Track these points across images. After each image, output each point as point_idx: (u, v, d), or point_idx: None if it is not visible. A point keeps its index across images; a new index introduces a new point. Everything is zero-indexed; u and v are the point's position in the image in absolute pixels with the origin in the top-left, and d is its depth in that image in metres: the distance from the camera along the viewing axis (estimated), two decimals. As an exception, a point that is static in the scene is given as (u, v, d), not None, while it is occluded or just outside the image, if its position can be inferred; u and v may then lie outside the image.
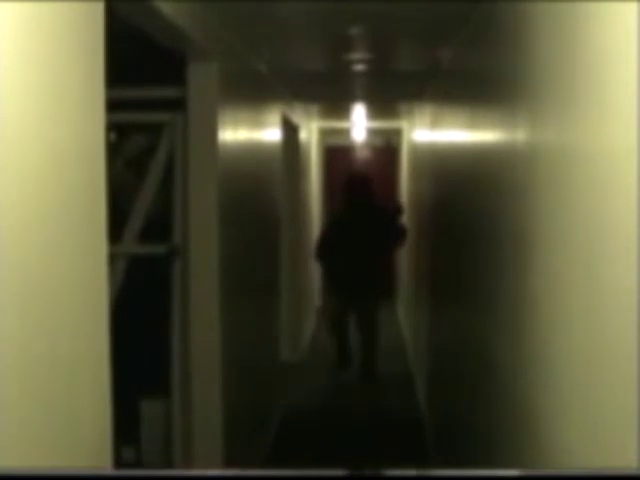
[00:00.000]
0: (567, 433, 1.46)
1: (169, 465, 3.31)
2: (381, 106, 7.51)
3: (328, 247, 6.17)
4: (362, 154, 10.84)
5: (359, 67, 4.79)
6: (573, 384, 1.43)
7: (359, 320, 6.28)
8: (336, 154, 10.72)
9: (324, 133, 10.07)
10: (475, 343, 2.75)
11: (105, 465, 1.74)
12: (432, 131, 5.25)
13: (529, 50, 1.92)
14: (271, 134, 5.12)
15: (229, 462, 3.38)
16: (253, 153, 4.34)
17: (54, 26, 1.46)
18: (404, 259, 8.93)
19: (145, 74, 3.18)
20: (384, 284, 6.41)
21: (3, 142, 1.24)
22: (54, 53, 1.47)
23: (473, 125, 3.04)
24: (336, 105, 7.49)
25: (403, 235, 6.38)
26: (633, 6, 1.13)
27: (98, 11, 1.69)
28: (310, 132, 8.63)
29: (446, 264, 4.09)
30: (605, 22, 1.28)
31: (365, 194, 6.19)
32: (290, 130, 6.53)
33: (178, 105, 3.16)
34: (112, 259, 1.79)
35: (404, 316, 8.50)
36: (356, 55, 4.39)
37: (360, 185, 6.25)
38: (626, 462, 1.12)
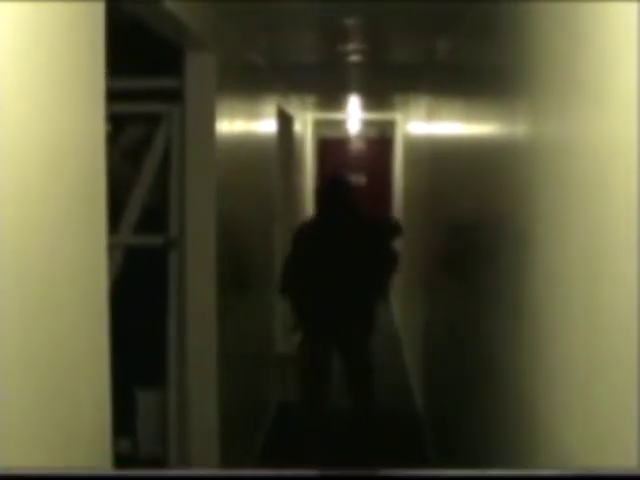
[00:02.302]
0: (567, 432, 1.45)
1: (165, 456, 3.31)
2: (376, 98, 7.50)
3: (297, 276, 4.48)
4: (356, 145, 10.84)
5: (354, 58, 4.79)
6: (573, 383, 1.42)
7: (345, 357, 4.64)
8: (330, 146, 10.72)
9: (318, 124, 10.06)
10: (473, 340, 2.74)
11: (104, 456, 1.74)
12: (428, 123, 5.25)
13: (529, 43, 1.92)
14: (267, 125, 5.11)
15: (225, 454, 3.39)
16: (249, 145, 4.33)
17: (55, 18, 1.46)
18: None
19: (142, 65, 3.16)
20: (372, 319, 4.58)
21: (4, 133, 1.24)
22: (55, 45, 1.47)
23: (472, 118, 3.04)
24: (331, 96, 7.49)
25: (394, 262, 4.69)
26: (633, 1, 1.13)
27: (99, 3, 1.69)
28: (305, 123, 8.62)
29: (442, 258, 4.09)
30: (606, 15, 1.28)
31: (346, 206, 4.44)
32: (285, 121, 6.52)
33: (175, 96, 3.15)
34: (109, 250, 1.78)
35: (399, 311, 8.47)
36: (352, 46, 4.38)
37: (338, 194, 4.43)
38: (626, 462, 1.12)
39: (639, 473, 1.09)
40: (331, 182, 4.57)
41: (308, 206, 9.24)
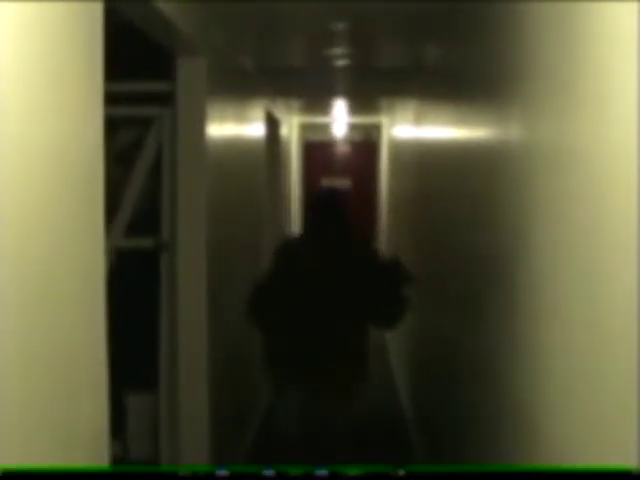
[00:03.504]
0: (567, 432, 1.44)
1: (156, 459, 3.31)
2: (362, 101, 7.53)
3: (273, 303, 3.40)
4: (342, 149, 10.87)
5: (341, 62, 4.81)
6: (573, 382, 1.41)
7: (328, 407, 3.46)
8: (316, 149, 10.74)
9: (304, 128, 10.08)
10: (468, 342, 2.73)
11: (103, 457, 1.75)
12: (416, 127, 5.27)
13: (521, 46, 1.93)
14: (255, 129, 5.12)
15: (216, 455, 3.39)
16: (238, 148, 4.34)
17: (55, 20, 1.47)
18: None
19: (134, 68, 3.17)
20: (363, 365, 3.54)
21: (4, 135, 1.25)
22: (55, 47, 1.48)
23: (462, 122, 3.04)
24: (317, 100, 7.51)
25: (402, 307, 3.41)
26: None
27: (97, 9, 1.71)
28: (291, 127, 8.63)
29: (431, 262, 4.08)
30: (603, 16, 1.28)
31: (342, 225, 3.44)
32: (272, 125, 6.53)
33: (166, 100, 3.16)
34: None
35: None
36: (339, 50, 4.41)
37: (335, 211, 3.44)
38: (626, 462, 1.11)
39: (639, 473, 1.09)
40: (327, 195, 3.63)
41: (294, 210, 9.25)
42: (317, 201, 3.55)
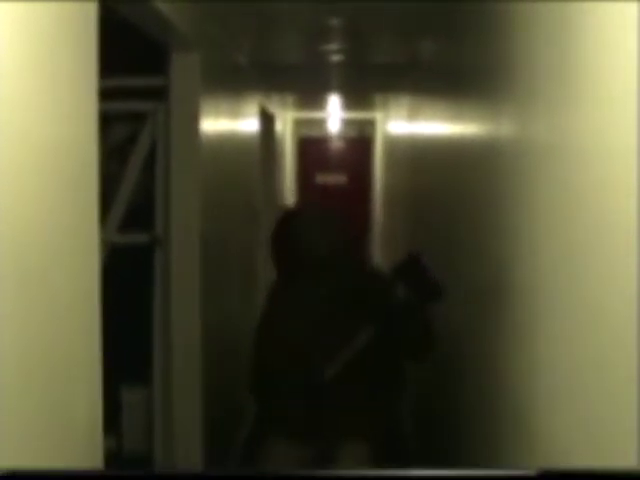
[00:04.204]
0: (567, 432, 1.44)
1: (149, 454, 3.32)
2: (356, 97, 7.54)
3: (272, 371, 2.72)
4: (336, 145, 10.87)
5: (336, 58, 4.82)
6: (573, 382, 1.40)
7: None
8: (310, 145, 10.74)
9: (299, 124, 10.09)
10: (463, 341, 2.72)
11: (97, 453, 1.75)
12: (410, 123, 5.27)
13: (516, 43, 1.93)
14: (249, 124, 5.12)
15: (210, 450, 3.40)
16: (232, 143, 4.34)
17: (49, 17, 1.47)
18: (377, 251, 8.94)
19: (128, 63, 3.17)
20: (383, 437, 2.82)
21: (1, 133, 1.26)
22: (50, 47, 1.48)
23: (456, 118, 3.04)
24: (311, 96, 7.51)
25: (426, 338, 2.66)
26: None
27: (92, 7, 1.71)
28: (285, 123, 8.63)
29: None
30: (595, 13, 1.28)
31: (337, 254, 2.71)
32: (266, 120, 6.53)
33: (160, 95, 3.16)
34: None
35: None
36: (334, 46, 4.41)
37: (310, 237, 2.68)
38: (626, 462, 1.11)
39: (639, 473, 1.08)
40: (304, 217, 2.70)
41: (288, 205, 9.24)
42: (289, 231, 2.66)
